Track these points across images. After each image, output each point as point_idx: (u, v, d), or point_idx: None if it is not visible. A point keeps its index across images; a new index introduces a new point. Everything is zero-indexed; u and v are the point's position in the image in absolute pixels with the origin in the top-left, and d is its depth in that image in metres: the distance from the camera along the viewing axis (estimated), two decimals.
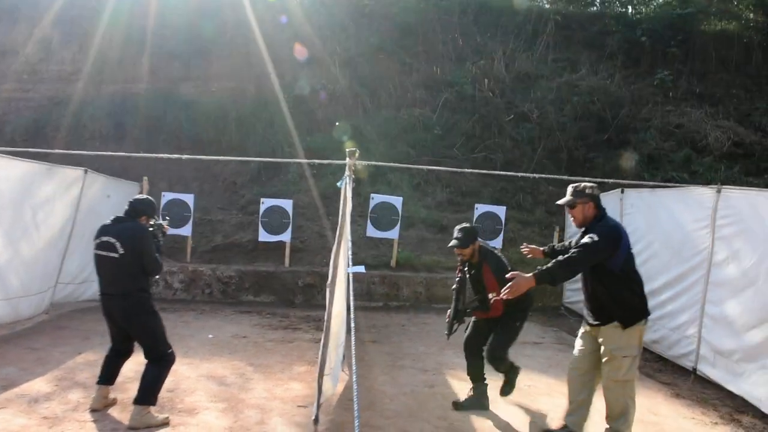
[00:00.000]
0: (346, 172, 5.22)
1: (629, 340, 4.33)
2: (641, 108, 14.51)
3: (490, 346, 5.31)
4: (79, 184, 8.08)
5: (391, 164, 9.93)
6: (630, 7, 18.79)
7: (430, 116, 14.06)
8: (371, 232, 10.42)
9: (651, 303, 6.99)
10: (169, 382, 5.08)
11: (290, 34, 15.17)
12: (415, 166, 10.71)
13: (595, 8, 18.82)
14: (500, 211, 10.76)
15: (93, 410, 4.90)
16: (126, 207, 4.93)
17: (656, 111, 14.35)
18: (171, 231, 6.33)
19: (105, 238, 4.70)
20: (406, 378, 6.26)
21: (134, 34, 15.36)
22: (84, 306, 8.77)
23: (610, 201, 8.56)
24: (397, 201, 10.52)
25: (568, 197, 4.54)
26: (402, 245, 10.77)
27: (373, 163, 8.38)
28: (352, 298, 4.38)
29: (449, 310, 5.45)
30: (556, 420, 5.03)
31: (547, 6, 18.29)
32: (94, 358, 6.18)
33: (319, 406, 4.65)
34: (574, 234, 5.68)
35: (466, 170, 10.36)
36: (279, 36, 14.94)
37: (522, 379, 5.70)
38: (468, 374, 5.53)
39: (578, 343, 4.70)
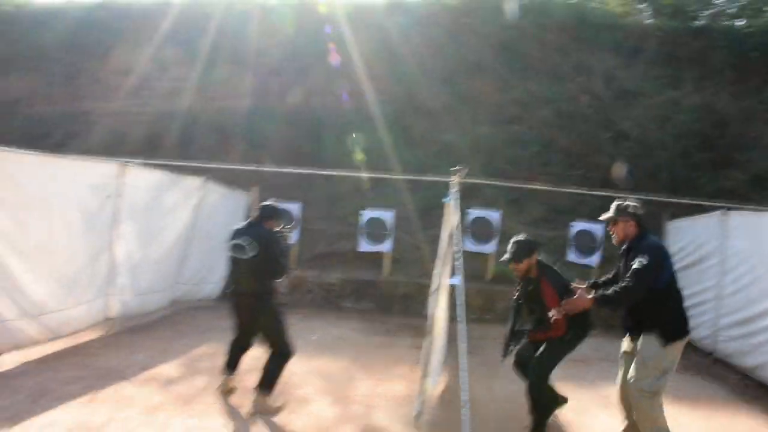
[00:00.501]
0: (453, 188, 5.48)
1: (665, 353, 4.34)
2: (749, 126, 14.06)
3: (533, 363, 4.94)
4: (199, 192, 8.79)
5: (491, 182, 10.10)
6: (738, 21, 18.18)
7: (527, 132, 14.18)
8: (468, 246, 10.67)
9: (752, 327, 6.89)
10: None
11: (387, 53, 15.69)
12: (511, 184, 10.87)
13: (699, 23, 18.32)
14: (597, 229, 10.76)
15: (218, 395, 5.39)
16: (256, 213, 5.40)
17: (766, 129, 13.87)
18: None
19: (238, 241, 5.12)
20: (499, 387, 6.46)
21: (239, 52, 16.36)
22: (197, 305, 9.49)
23: (711, 222, 8.47)
24: (494, 216, 10.73)
25: (610, 214, 4.65)
26: (498, 259, 10.96)
27: (476, 180, 8.60)
28: (462, 307, 4.64)
29: (506, 330, 5.22)
30: None
31: (648, 21, 17.98)
32: (211, 351, 6.79)
33: (421, 403, 4.99)
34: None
35: (563, 189, 10.44)
36: (377, 54, 15.47)
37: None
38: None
39: (621, 362, 4.76)
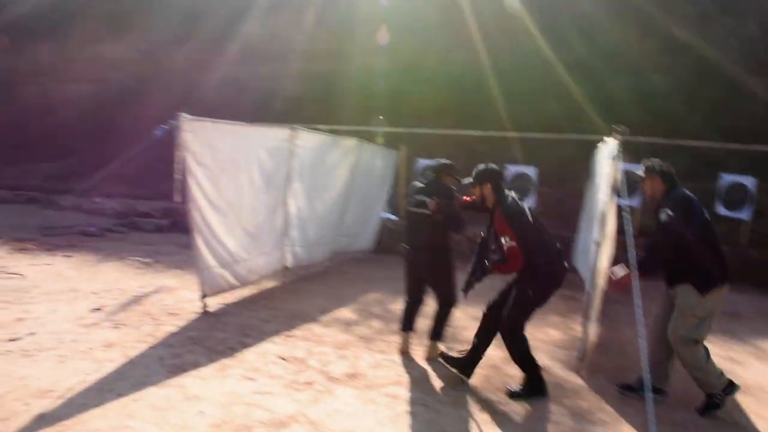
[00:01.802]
0: (612, 148, 5.62)
1: (703, 301, 4.47)
2: None
3: (503, 316, 4.82)
4: (356, 152, 9.43)
5: (654, 140, 9.87)
6: None
7: (671, 81, 13.78)
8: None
9: None
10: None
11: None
12: (676, 142, 10.61)
13: None
14: (749, 182, 10.45)
15: (401, 353, 5.66)
16: (431, 168, 5.81)
17: None
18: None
19: (418, 197, 5.48)
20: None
21: (373, 12, 16.83)
22: (355, 256, 10.28)
23: None
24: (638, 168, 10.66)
25: (639, 172, 4.86)
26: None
27: (641, 139, 8.53)
28: (633, 259, 4.44)
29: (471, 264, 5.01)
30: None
31: None
32: (380, 297, 7.47)
33: (584, 347, 5.37)
34: None
35: (710, 144, 10.10)
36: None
37: None
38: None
39: (658, 306, 4.92)
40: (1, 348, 5.29)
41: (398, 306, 7.35)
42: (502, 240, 4.56)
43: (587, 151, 11.42)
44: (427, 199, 5.37)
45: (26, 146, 19.57)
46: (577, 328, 6.84)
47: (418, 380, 5.03)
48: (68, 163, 17.96)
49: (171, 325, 6.11)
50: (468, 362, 5.08)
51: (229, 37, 18.54)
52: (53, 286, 7.59)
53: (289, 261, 8.28)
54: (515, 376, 5.02)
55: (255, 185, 7.24)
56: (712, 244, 4.58)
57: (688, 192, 4.68)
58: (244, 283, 7.24)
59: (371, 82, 15.86)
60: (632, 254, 4.27)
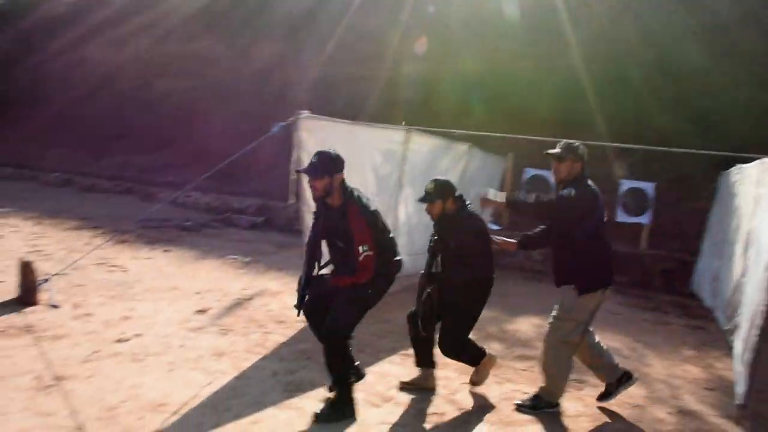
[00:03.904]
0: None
1: (581, 304, 4.34)
2: None
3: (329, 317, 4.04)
4: (465, 157, 8.92)
5: None
6: None
7: None
8: None
9: None
10: None
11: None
12: None
13: None
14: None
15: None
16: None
17: None
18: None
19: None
20: None
21: (473, 18, 16.30)
22: None
23: None
24: None
25: (557, 150, 4.47)
26: None
27: None
28: None
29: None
30: None
31: None
32: (494, 315, 6.87)
33: (749, 393, 4.66)
34: None
35: None
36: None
37: None
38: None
39: None
40: (110, 349, 5.07)
41: (516, 326, 6.82)
42: (360, 248, 3.94)
43: (706, 169, 10.62)
44: None
45: (124, 138, 20.01)
46: (717, 365, 6.13)
47: (553, 421, 4.45)
48: (164, 156, 18.20)
49: (279, 335, 5.76)
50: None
51: (322, 37, 18.39)
52: (155, 283, 7.42)
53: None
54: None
55: (368, 188, 6.82)
56: (601, 247, 4.46)
57: (597, 189, 4.46)
58: None
59: (466, 86, 15.30)
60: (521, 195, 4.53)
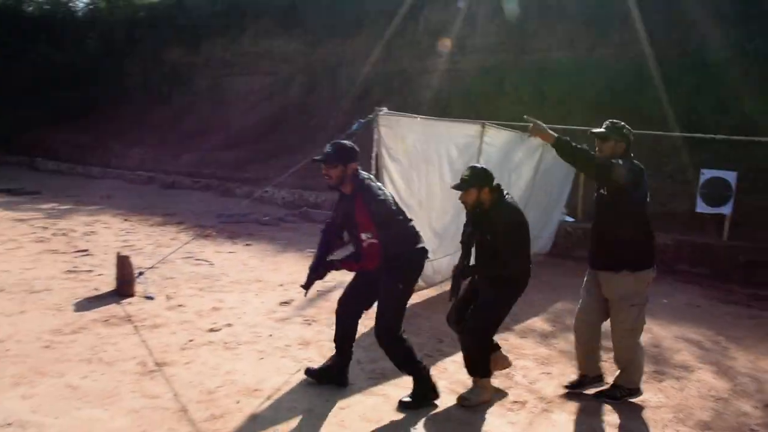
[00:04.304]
0: None
1: (638, 286, 4.33)
2: None
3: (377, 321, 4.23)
4: (540, 150, 8.90)
5: None
6: None
7: None
8: None
9: None
10: (649, 338, 5.68)
11: None
12: None
13: None
14: None
15: None
16: None
17: None
18: None
19: None
20: None
21: (550, 3, 16.04)
22: (535, 259, 9.64)
23: None
24: None
25: (603, 129, 4.42)
26: None
27: None
28: None
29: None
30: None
31: None
32: (570, 306, 6.84)
33: None
34: None
35: None
36: None
37: None
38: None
39: (584, 290, 4.65)
40: (204, 338, 5.38)
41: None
42: (363, 236, 4.00)
43: None
44: None
45: (202, 135, 20.71)
46: None
47: (634, 411, 4.47)
48: (241, 152, 18.75)
49: (360, 325, 5.93)
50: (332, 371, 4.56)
51: (396, 31, 18.47)
52: (240, 276, 7.76)
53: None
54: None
55: (444, 183, 6.93)
56: (648, 223, 4.41)
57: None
58: (429, 284, 6.97)
59: (542, 77, 15.14)
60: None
